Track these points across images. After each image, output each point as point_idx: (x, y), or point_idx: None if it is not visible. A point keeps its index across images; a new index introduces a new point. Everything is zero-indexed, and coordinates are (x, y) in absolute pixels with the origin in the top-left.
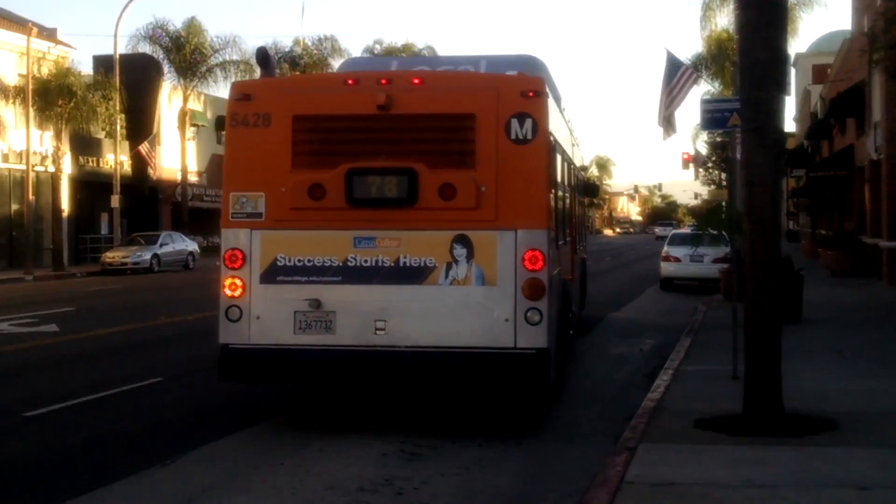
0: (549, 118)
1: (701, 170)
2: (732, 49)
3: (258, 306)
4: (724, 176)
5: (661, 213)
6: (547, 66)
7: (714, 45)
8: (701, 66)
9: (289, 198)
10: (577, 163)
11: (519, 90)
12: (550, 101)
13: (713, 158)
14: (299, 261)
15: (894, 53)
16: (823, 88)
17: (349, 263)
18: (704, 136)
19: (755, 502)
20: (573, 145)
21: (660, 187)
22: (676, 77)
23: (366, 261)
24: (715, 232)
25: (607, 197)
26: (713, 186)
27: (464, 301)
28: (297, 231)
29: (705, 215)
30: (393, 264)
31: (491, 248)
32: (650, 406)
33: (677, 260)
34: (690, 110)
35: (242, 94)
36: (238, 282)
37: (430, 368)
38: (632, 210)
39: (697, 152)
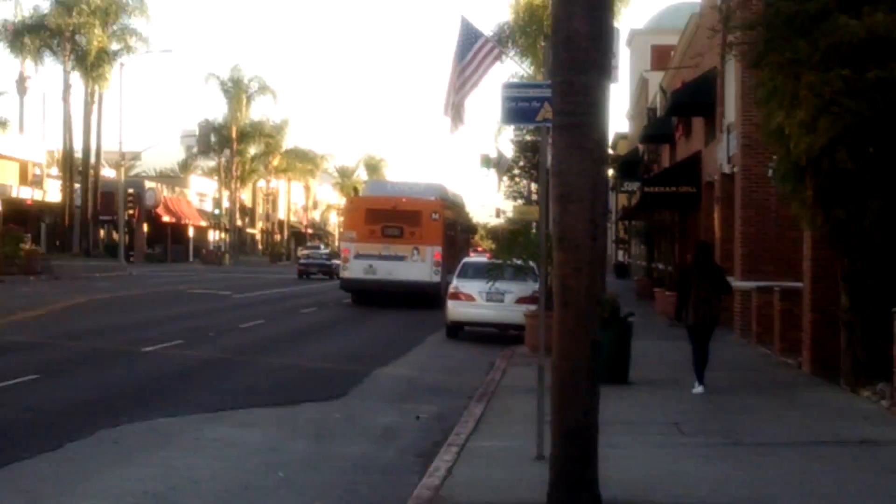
0: (445, 212)
1: (505, 178)
2: (548, 18)
3: (353, 266)
4: (534, 187)
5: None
6: (445, 187)
7: (525, 13)
8: (507, 39)
9: (364, 233)
10: (465, 219)
11: (435, 205)
12: (446, 206)
13: (521, 164)
14: (366, 253)
15: (753, 35)
16: (665, 77)
17: (381, 254)
18: (511, 132)
19: None
20: (461, 215)
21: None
22: (472, 52)
23: (388, 254)
24: (520, 262)
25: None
26: (520, 201)
27: (417, 266)
28: (365, 244)
29: (507, 239)
30: (395, 255)
31: (425, 251)
32: (426, 496)
33: (470, 298)
34: (493, 97)
35: (349, 200)
36: (349, 257)
37: (407, 288)
38: None
39: (501, 154)
